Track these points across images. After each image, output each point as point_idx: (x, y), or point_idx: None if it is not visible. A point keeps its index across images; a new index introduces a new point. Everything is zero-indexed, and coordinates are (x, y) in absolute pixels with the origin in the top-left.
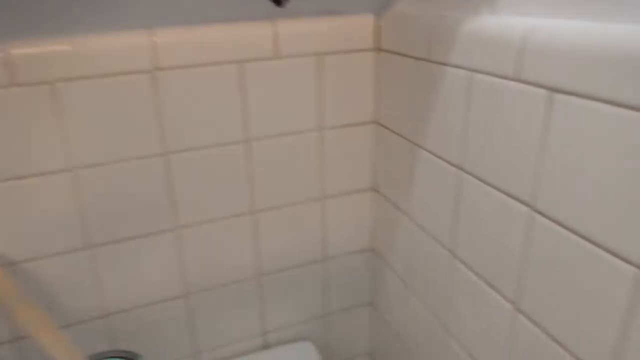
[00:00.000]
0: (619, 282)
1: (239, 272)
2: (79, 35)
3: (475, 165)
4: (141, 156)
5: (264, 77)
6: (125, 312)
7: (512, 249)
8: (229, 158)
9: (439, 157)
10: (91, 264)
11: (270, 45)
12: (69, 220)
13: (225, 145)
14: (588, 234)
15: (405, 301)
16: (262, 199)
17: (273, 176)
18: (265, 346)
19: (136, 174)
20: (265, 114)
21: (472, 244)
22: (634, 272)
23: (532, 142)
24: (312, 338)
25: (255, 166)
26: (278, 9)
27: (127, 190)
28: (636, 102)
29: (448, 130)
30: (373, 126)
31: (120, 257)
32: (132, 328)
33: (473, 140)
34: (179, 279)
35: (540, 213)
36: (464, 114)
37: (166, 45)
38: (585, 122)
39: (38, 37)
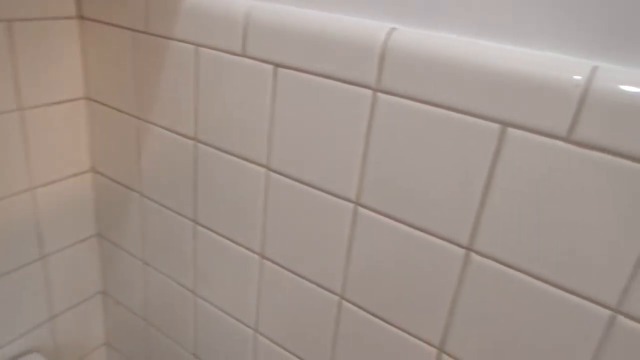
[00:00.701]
0: (340, 217)
1: None
2: None
3: (210, 135)
4: None
5: None
6: None
7: (254, 206)
8: None
9: (171, 131)
10: None
11: None
12: None
13: None
14: (311, 181)
15: (145, 279)
16: None
17: None
18: None
19: None
20: None
21: (213, 208)
22: (352, 207)
23: (263, 110)
24: (41, 347)
25: None
26: None
27: None
28: (337, 73)
29: (178, 104)
30: (85, 102)
31: None
32: None
33: (206, 112)
34: None
35: (275, 171)
36: (193, 88)
37: None
38: (304, 92)
39: None
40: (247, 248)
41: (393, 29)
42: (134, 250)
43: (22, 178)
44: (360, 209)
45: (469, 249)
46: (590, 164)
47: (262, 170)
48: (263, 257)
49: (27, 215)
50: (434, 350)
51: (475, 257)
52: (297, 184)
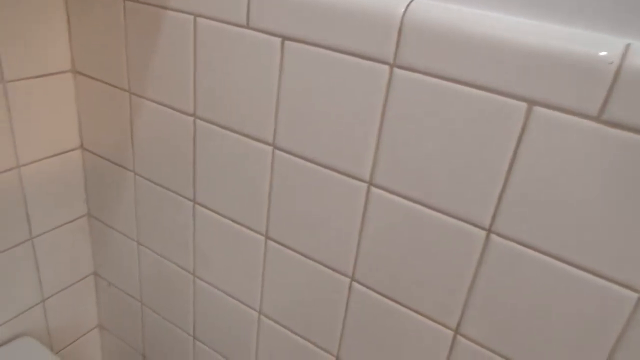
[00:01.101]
0: (352, 198)
1: None
2: None
3: (211, 112)
4: None
5: None
6: None
7: (259, 185)
8: None
9: (168, 107)
10: None
11: None
12: None
13: None
14: (320, 160)
15: (139, 260)
16: None
17: None
18: None
19: None
20: None
21: (214, 187)
22: (365, 186)
23: (269, 86)
24: (33, 330)
25: None
26: None
27: None
28: (351, 47)
29: (175, 78)
30: (72, 75)
31: None
32: None
33: (206, 87)
34: None
35: (281, 149)
36: (192, 62)
37: None
38: (315, 67)
39: None
40: (251, 229)
41: (412, 0)
42: (127, 230)
43: (6, 155)
44: (374, 189)
45: (489, 230)
46: (621, 144)
47: (268, 148)
48: (268, 237)
49: (13, 195)
50: (450, 333)
51: (495, 238)
52: (305, 162)
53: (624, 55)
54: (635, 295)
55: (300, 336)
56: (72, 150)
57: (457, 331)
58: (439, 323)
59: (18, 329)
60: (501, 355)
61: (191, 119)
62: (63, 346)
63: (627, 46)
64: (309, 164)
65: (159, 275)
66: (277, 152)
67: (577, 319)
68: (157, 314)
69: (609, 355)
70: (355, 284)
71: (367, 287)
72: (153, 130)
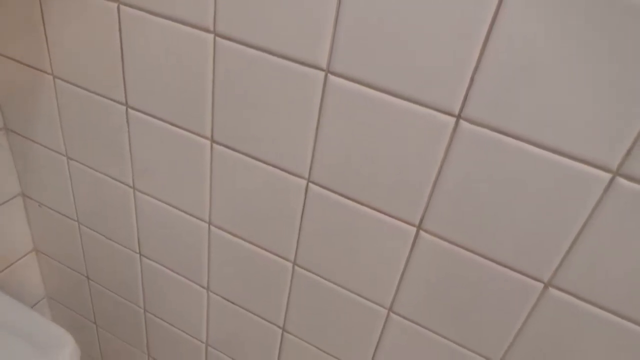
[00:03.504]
0: (309, 89)
1: None
2: None
3: None
4: None
5: None
6: None
7: (200, 82)
8: None
9: None
10: None
11: None
12: None
13: None
14: (271, 49)
15: (71, 177)
16: None
17: None
18: None
19: None
20: None
21: (151, 88)
22: (322, 75)
23: None
24: None
25: None
26: None
27: None
28: None
29: None
30: None
31: None
32: None
33: None
34: None
35: (224, 37)
36: None
37: None
38: None
39: None
40: (194, 133)
41: None
42: (53, 145)
43: None
44: (332, 77)
45: (459, 117)
46: None
47: (209, 36)
48: (214, 141)
49: None
50: (412, 229)
51: (465, 124)
52: (255, 51)
53: None
54: (608, 175)
55: (255, 244)
56: None
57: (420, 227)
58: (402, 220)
59: None
60: (465, 248)
61: (115, 4)
62: None
63: None
64: (259, 52)
65: (95, 191)
66: (220, 40)
67: (546, 204)
68: (98, 233)
69: (574, 239)
70: (312, 185)
71: (325, 188)
72: (69, 20)
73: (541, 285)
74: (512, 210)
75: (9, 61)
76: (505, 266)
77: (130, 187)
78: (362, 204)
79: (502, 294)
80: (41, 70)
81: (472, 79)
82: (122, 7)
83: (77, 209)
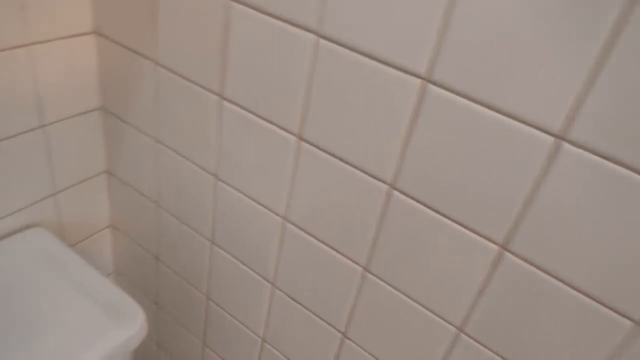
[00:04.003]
0: (404, 95)
1: None
2: None
3: None
4: None
5: None
6: None
7: (296, 79)
8: None
9: None
10: None
11: None
12: None
13: None
14: (372, 53)
15: (156, 159)
16: None
17: None
18: None
19: None
20: None
21: (247, 82)
22: (419, 83)
23: None
24: (43, 223)
25: None
26: None
27: None
28: None
29: None
30: None
31: None
32: None
33: None
34: None
35: (327, 38)
36: None
37: None
38: None
39: None
40: (283, 128)
41: None
42: (145, 127)
43: (15, 28)
44: (431, 86)
45: (559, 137)
46: None
47: (310, 36)
48: (302, 139)
49: (23, 74)
50: (494, 247)
51: (567, 146)
52: (354, 54)
53: None
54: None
55: (327, 244)
56: (86, 34)
57: (504, 247)
58: (486, 238)
59: (30, 220)
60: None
61: (222, 1)
62: (72, 243)
63: None
64: (361, 56)
65: (178, 176)
66: (322, 41)
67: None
68: (174, 217)
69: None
70: (395, 192)
71: (408, 196)
72: (180, 14)
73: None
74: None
75: (117, 46)
76: (599, 302)
77: (212, 175)
78: (445, 216)
79: (592, 331)
80: (147, 57)
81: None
82: (233, 3)
83: (158, 190)
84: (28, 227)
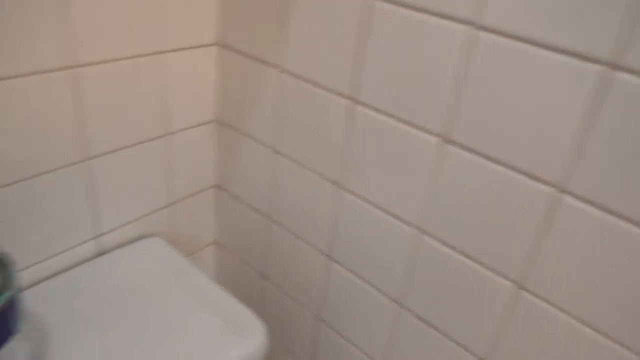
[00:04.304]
0: (577, 87)
1: (58, 157)
2: None
3: None
4: None
5: None
6: None
7: (442, 76)
8: None
9: None
10: None
11: None
12: None
13: None
14: (538, 39)
15: (273, 169)
16: (86, 48)
17: (101, 19)
18: (101, 252)
19: None
20: None
21: (385, 79)
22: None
23: None
24: (158, 234)
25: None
26: None
27: None
28: None
29: None
30: None
31: None
32: None
33: None
34: None
35: (485, 29)
36: None
37: None
38: None
39: None
40: (425, 130)
41: None
42: (262, 136)
43: (146, 34)
44: (619, 74)
45: None
46: None
47: (465, 28)
48: (447, 140)
49: (155, 83)
50: None
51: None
52: (522, 44)
53: None
54: None
55: (470, 258)
56: (209, 45)
57: None
58: None
59: (146, 230)
60: None
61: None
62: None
63: None
64: (529, 46)
65: (296, 187)
66: (478, 32)
67: None
68: (287, 230)
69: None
70: (565, 197)
71: (585, 201)
72: (315, 13)
73: None
74: None
75: (239, 55)
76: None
77: (334, 183)
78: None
79: None
80: (271, 64)
81: None
82: (377, 2)
83: (271, 203)
84: (145, 236)
